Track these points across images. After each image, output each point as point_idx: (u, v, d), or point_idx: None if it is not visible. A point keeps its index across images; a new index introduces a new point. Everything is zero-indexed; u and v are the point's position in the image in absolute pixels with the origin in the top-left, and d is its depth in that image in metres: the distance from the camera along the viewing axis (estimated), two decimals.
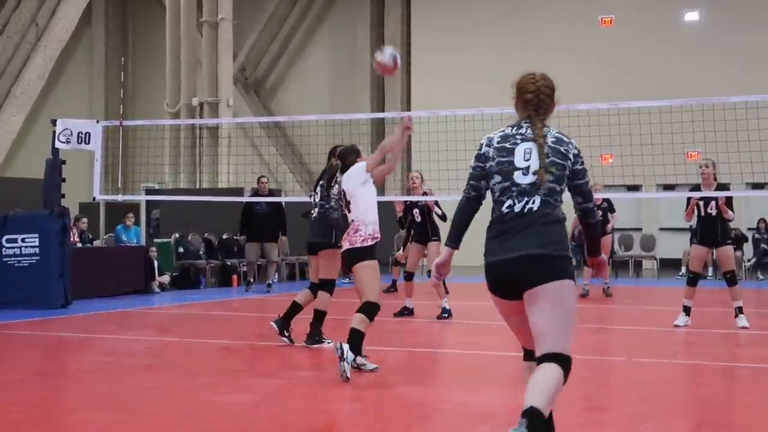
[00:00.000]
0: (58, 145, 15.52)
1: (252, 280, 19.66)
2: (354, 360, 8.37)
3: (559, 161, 5.05)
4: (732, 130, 16.80)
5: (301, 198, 18.79)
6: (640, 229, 26.92)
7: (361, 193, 8.80)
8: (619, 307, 16.32)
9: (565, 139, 5.15)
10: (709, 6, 27.44)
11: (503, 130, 5.25)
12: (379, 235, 8.80)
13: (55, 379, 8.83)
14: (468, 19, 29.70)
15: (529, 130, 5.12)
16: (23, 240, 15.49)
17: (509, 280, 4.96)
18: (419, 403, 7.57)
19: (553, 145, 5.08)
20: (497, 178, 5.10)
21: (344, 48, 32.43)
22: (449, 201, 17.58)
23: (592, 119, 17.46)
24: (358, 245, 8.63)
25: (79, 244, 19.06)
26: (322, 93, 32.48)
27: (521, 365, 5.27)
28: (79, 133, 15.66)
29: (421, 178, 15.35)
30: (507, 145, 5.13)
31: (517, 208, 4.99)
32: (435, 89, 29.29)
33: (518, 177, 5.03)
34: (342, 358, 8.13)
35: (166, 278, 19.50)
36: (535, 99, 5.17)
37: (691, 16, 27.68)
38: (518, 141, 5.11)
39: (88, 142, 15.80)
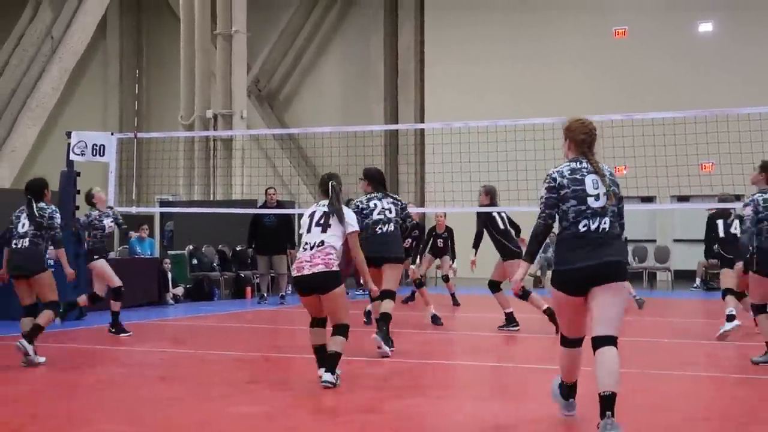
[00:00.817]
0: (72, 157, 15.59)
1: (265, 293, 19.69)
2: (336, 378, 8.44)
3: (617, 190, 6.44)
4: (746, 141, 16.75)
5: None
6: (654, 241, 26.85)
7: (340, 229, 8.64)
8: (633, 318, 16.27)
9: (613, 172, 6.50)
10: (723, 17, 27.41)
11: (568, 165, 6.48)
12: None
13: (71, 390, 8.85)
14: (481, 31, 29.73)
15: (589, 165, 6.44)
16: None
17: (592, 280, 6.25)
18: (435, 414, 7.57)
19: (611, 177, 6.44)
20: (572, 202, 6.36)
21: (358, 60, 32.47)
22: (462, 212, 17.62)
23: (605, 131, 17.31)
24: (335, 268, 8.42)
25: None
26: (336, 105, 32.53)
27: (559, 350, 6.72)
28: (93, 145, 15.73)
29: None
30: (577, 176, 6.40)
31: (593, 226, 6.33)
32: (448, 101, 29.31)
33: (591, 202, 6.35)
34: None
35: (180, 290, 19.54)
36: (588, 139, 6.49)
37: (705, 27, 27.65)
38: (585, 173, 6.41)
39: (103, 154, 15.86)
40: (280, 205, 19.72)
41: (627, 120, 15.59)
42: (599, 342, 6.15)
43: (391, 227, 11.09)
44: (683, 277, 25.00)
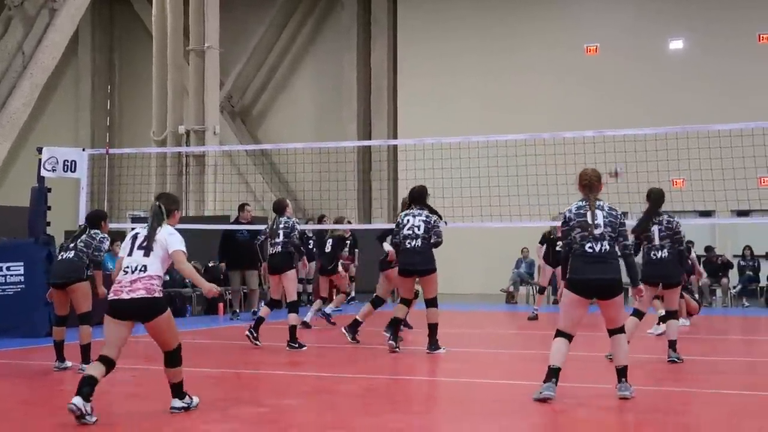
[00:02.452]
0: (43, 173, 15.50)
1: (237, 309, 19.67)
2: (189, 399, 8.17)
3: (614, 222, 8.62)
4: (716, 157, 16.90)
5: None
6: None
7: (163, 250, 8.08)
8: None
9: (614, 209, 8.74)
10: (693, 34, 27.62)
11: (576, 204, 8.74)
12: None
13: (42, 408, 8.77)
14: (454, 48, 29.83)
15: (588, 204, 8.66)
16: (8, 268, 15.43)
17: (599, 291, 8.51)
18: (408, 431, 7.56)
19: (609, 211, 8.66)
20: (578, 230, 8.59)
21: (331, 76, 32.51)
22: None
23: (577, 147, 17.53)
24: (157, 295, 7.88)
25: None
26: (309, 121, 32.53)
27: (556, 340, 8.57)
28: (65, 161, 15.65)
29: None
30: (581, 211, 8.66)
31: (597, 249, 8.51)
32: (421, 117, 29.37)
33: (592, 229, 8.53)
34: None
35: None
36: (588, 184, 8.75)
37: (676, 44, 27.86)
38: (587, 209, 8.65)
39: (74, 170, 15.78)
40: (253, 221, 19.72)
41: (598, 136, 15.68)
42: (613, 332, 8.69)
43: (419, 243, 12.40)
44: None
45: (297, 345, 13.21)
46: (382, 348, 13.08)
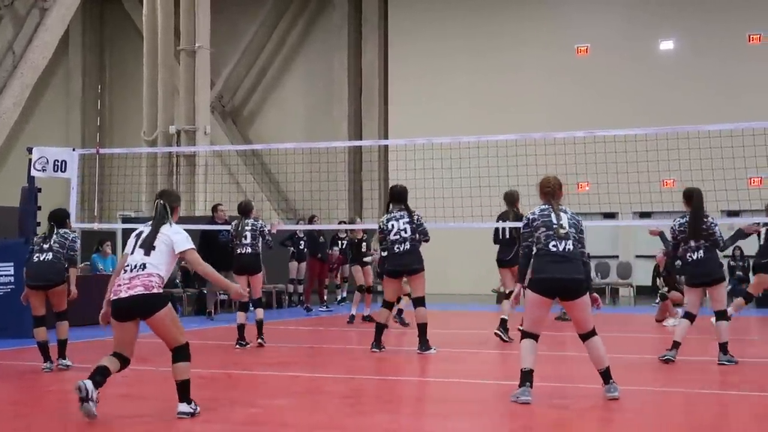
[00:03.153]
0: (34, 173, 15.46)
1: (212, 310, 19.72)
2: (194, 407, 7.91)
3: (577, 225, 8.72)
4: (707, 158, 16.92)
5: (284, 226, 18.67)
6: (616, 257, 27.01)
7: (169, 249, 7.99)
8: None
9: (576, 215, 8.78)
10: (684, 35, 27.66)
11: (539, 207, 8.77)
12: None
13: (31, 408, 8.76)
14: (445, 48, 29.84)
15: (551, 208, 8.71)
16: None
17: (563, 291, 8.48)
18: (399, 431, 7.57)
19: (572, 215, 8.72)
20: (543, 229, 8.60)
21: (321, 76, 32.49)
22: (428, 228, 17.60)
23: (568, 147, 17.56)
24: (155, 291, 7.79)
25: None
26: (300, 121, 32.51)
27: (524, 342, 8.51)
28: (55, 161, 15.62)
29: None
30: (545, 213, 8.71)
31: (561, 247, 8.53)
32: (412, 117, 29.37)
33: (556, 229, 8.56)
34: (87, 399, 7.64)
35: None
36: (551, 191, 8.80)
37: (666, 45, 27.90)
38: (551, 212, 8.70)
39: (65, 170, 15.75)
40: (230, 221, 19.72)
41: (589, 136, 15.69)
42: (586, 336, 8.61)
43: (407, 245, 12.64)
44: (645, 292, 25.13)
45: (244, 343, 13.62)
46: (370, 348, 13.10)
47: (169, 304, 7.90)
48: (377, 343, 12.75)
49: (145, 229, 8.05)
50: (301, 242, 21.61)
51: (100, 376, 7.67)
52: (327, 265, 22.09)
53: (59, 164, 15.66)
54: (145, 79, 29.67)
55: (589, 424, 8.00)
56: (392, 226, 12.71)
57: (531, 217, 8.75)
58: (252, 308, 14.35)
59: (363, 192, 30.45)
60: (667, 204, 18.93)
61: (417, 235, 12.69)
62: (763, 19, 26.61)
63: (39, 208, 15.65)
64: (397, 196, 12.96)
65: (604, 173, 18.60)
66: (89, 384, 7.55)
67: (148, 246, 7.86)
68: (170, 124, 28.77)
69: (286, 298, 22.89)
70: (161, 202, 8.10)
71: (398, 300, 15.63)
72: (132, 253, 7.91)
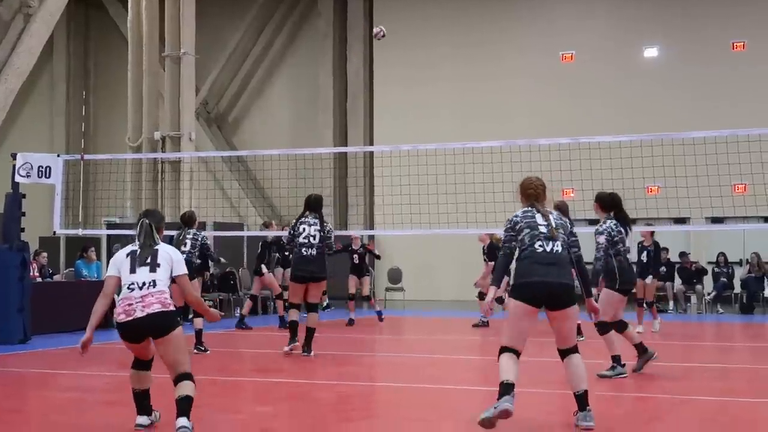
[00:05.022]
0: (18, 179, 15.43)
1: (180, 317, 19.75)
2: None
3: (565, 226, 7.90)
4: (691, 165, 17.01)
5: (262, 232, 18.69)
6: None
7: (168, 269, 7.75)
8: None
9: (563, 219, 7.99)
10: (668, 42, 27.76)
11: (522, 210, 7.95)
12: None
13: (17, 415, 8.72)
14: (430, 55, 29.86)
15: (535, 210, 7.88)
16: None
17: (549, 298, 7.54)
18: None
19: (558, 216, 7.97)
20: (527, 230, 7.75)
21: (307, 83, 32.47)
22: (411, 234, 17.66)
23: (553, 154, 17.62)
24: (172, 308, 7.56)
25: (39, 279, 18.90)
26: (285, 128, 32.49)
27: (504, 357, 7.57)
28: (39, 166, 15.60)
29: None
30: (529, 215, 7.87)
31: (548, 248, 7.67)
32: (397, 124, 29.38)
33: (543, 228, 7.74)
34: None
35: None
36: (534, 193, 7.97)
37: (651, 52, 28.00)
38: (535, 213, 7.87)
39: (49, 176, 15.73)
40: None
41: (574, 143, 15.77)
42: (567, 352, 7.70)
43: (314, 251, 13.05)
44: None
45: (203, 348, 13.74)
46: (358, 355, 13.11)
47: (181, 327, 7.63)
48: (291, 338, 13.22)
49: (137, 248, 7.68)
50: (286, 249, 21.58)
51: (145, 400, 7.90)
52: None
53: (44, 170, 15.64)
54: (130, 85, 29.61)
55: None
56: (303, 229, 13.15)
57: (514, 219, 7.90)
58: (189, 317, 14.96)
59: (348, 198, 30.46)
60: (652, 210, 19.05)
61: (324, 244, 13.12)
62: (747, 26, 26.78)
63: (23, 214, 15.61)
64: (313, 205, 13.43)
65: (588, 180, 18.64)
66: (144, 420, 7.83)
67: (152, 263, 7.55)
68: (155, 130, 28.71)
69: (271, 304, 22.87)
70: (147, 221, 7.78)
71: None
72: (133, 272, 7.54)
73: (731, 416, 8.62)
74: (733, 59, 26.68)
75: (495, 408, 7.31)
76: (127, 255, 7.65)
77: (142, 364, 7.73)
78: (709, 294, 23.81)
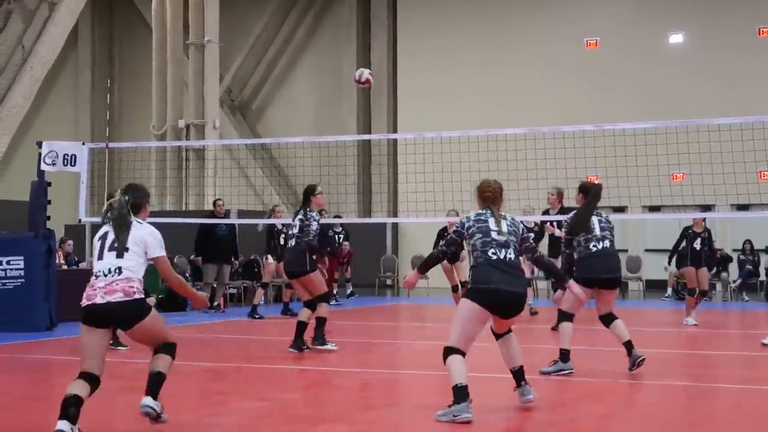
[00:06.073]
0: (43, 167, 15.49)
1: (221, 303, 19.89)
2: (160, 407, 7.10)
3: (516, 231, 7.86)
4: (717, 151, 16.89)
5: (270, 220, 18.62)
6: (626, 251, 26.94)
7: (141, 251, 7.06)
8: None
9: (516, 220, 7.96)
10: (693, 28, 27.57)
11: (475, 213, 7.91)
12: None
13: (44, 402, 8.77)
14: (454, 42, 29.79)
15: (490, 213, 7.87)
16: (8, 262, 15.42)
17: (506, 307, 7.63)
18: (408, 424, 7.57)
19: (511, 221, 7.88)
20: (479, 235, 7.73)
21: (330, 70, 32.45)
22: (435, 222, 17.65)
23: (577, 141, 17.54)
24: (138, 296, 6.91)
25: (65, 267, 18.99)
26: (309, 115, 32.50)
27: (452, 358, 7.57)
28: (64, 155, 15.65)
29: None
30: (481, 218, 7.84)
31: (501, 255, 7.65)
32: (421, 111, 29.33)
33: (494, 235, 7.73)
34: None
35: (152, 300, 19.27)
36: (491, 196, 7.98)
37: (676, 38, 27.82)
38: (488, 217, 7.85)
39: (74, 164, 15.78)
40: (227, 215, 20.48)
41: (598, 130, 15.69)
42: (504, 334, 7.99)
43: (293, 242, 12.23)
44: (654, 286, 25.10)
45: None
46: (379, 342, 13.11)
47: (153, 309, 7.08)
48: (295, 342, 12.05)
49: (109, 230, 7.02)
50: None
51: (74, 408, 6.56)
52: (337, 259, 22.06)
53: (69, 158, 15.69)
54: (154, 73, 29.71)
55: (610, 418, 8.00)
56: (294, 221, 12.45)
57: (464, 222, 7.87)
58: None
59: (372, 186, 30.46)
60: (677, 198, 18.95)
61: (301, 233, 12.10)
62: None
63: (49, 202, 15.69)
64: (304, 195, 12.66)
65: (613, 167, 18.59)
66: (65, 425, 6.46)
67: (120, 248, 6.88)
68: (179, 118, 28.81)
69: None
70: (125, 198, 7.06)
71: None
72: (101, 258, 6.92)
73: (755, 405, 8.58)
74: (759, 45, 26.48)
75: (454, 417, 7.38)
76: (99, 238, 7.03)
77: (91, 378, 6.82)
78: (734, 281, 23.69)
